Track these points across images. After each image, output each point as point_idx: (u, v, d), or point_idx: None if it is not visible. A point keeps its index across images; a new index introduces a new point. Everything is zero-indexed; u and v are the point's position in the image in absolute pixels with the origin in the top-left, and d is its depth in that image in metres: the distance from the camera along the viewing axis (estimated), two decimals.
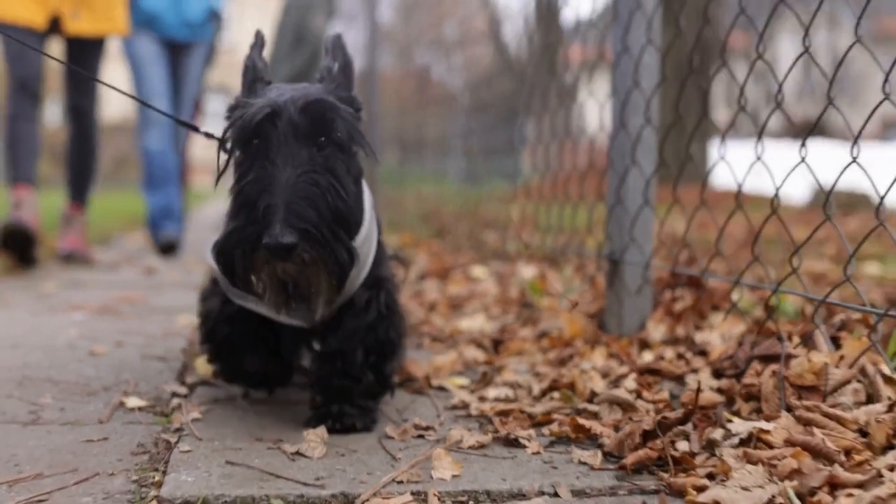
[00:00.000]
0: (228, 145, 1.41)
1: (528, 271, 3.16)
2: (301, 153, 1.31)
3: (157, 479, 1.29)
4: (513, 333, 2.28)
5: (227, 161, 1.43)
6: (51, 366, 2.01)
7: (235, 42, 11.17)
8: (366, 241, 1.50)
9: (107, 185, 13.96)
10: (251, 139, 1.34)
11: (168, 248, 4.79)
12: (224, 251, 1.32)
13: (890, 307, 1.53)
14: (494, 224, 5.12)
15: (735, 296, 1.97)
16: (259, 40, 1.54)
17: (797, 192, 8.15)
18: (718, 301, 2.21)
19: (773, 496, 1.13)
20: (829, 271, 3.12)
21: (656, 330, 2.03)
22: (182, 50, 4.91)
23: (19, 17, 3.84)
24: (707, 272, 2.02)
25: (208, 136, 1.56)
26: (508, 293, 2.90)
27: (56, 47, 4.18)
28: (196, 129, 1.63)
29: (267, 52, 1.53)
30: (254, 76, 1.49)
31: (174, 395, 1.78)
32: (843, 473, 1.18)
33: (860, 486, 1.15)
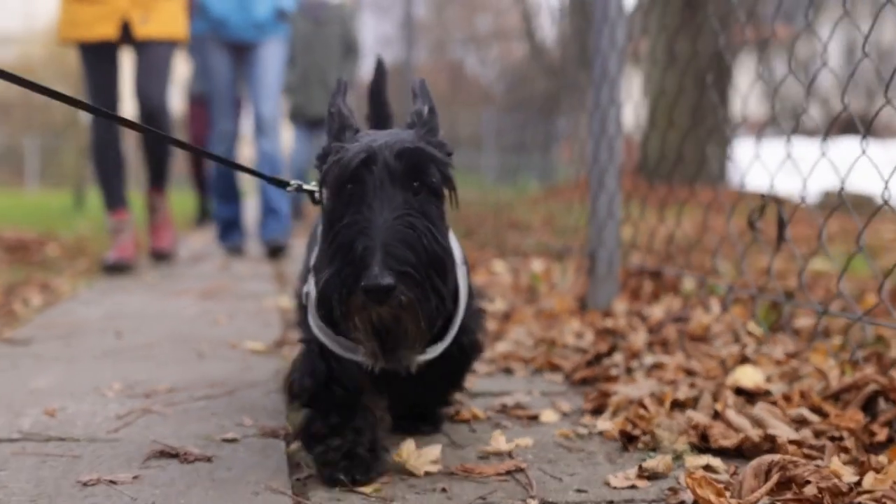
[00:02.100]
0: (323, 190, 1.47)
1: (537, 265, 4.06)
2: (396, 197, 1.34)
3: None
4: (518, 310, 3.18)
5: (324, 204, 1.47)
6: (193, 330, 2.96)
7: None
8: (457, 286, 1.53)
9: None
10: (346, 184, 1.38)
11: (232, 252, 5.52)
12: (323, 297, 1.34)
13: (760, 291, 2.43)
14: (518, 225, 6.05)
15: (687, 284, 2.87)
16: (343, 87, 1.57)
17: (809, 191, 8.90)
18: (671, 287, 3.11)
19: (652, 392, 2.03)
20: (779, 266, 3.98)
21: (619, 306, 2.92)
22: (253, 50, 5.29)
23: (99, 35, 4.26)
24: (664, 266, 2.92)
25: (299, 189, 1.68)
26: (519, 282, 3.80)
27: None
28: (285, 185, 1.70)
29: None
30: (341, 123, 1.52)
31: (283, 343, 2.71)
32: (700, 382, 2.07)
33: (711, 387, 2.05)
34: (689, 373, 2.15)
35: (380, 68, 1.91)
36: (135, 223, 4.73)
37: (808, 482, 1.39)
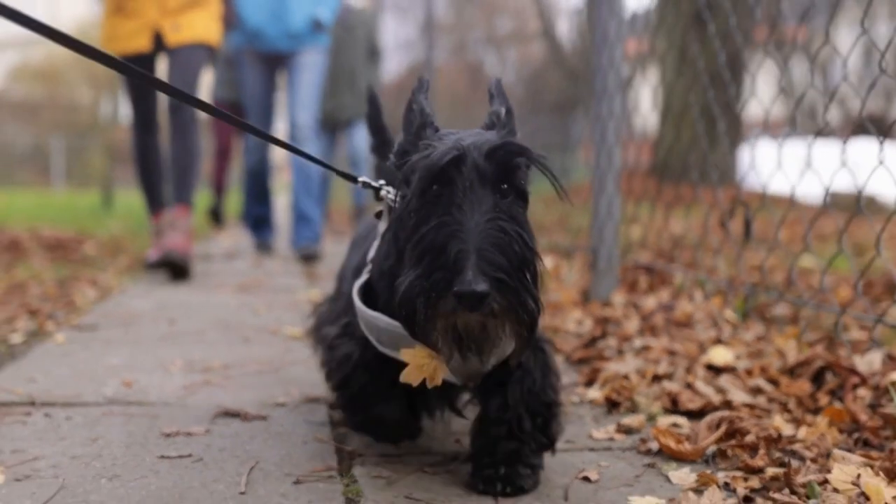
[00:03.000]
0: (406, 189, 1.41)
1: (547, 262, 4.41)
2: (486, 199, 1.31)
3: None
4: None
5: (402, 203, 1.43)
6: (236, 319, 3.34)
7: None
8: None
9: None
10: (433, 184, 1.34)
11: (261, 248, 5.88)
12: (407, 299, 1.29)
13: (730, 281, 2.78)
14: (533, 224, 6.40)
15: (678, 278, 3.23)
16: (424, 85, 1.54)
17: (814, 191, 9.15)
18: (665, 281, 3.46)
19: (637, 368, 2.38)
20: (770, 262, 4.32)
21: (618, 297, 3.28)
22: (290, 61, 5.50)
23: (134, 48, 4.44)
24: (658, 263, 3.27)
25: (366, 185, 1.67)
26: None
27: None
28: (354, 180, 1.70)
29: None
30: (422, 121, 1.49)
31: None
32: (679, 360, 2.43)
33: (684, 363, 2.41)
34: (671, 353, 2.51)
35: (373, 101, 1.91)
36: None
37: (749, 432, 1.75)
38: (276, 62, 5.59)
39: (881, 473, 1.49)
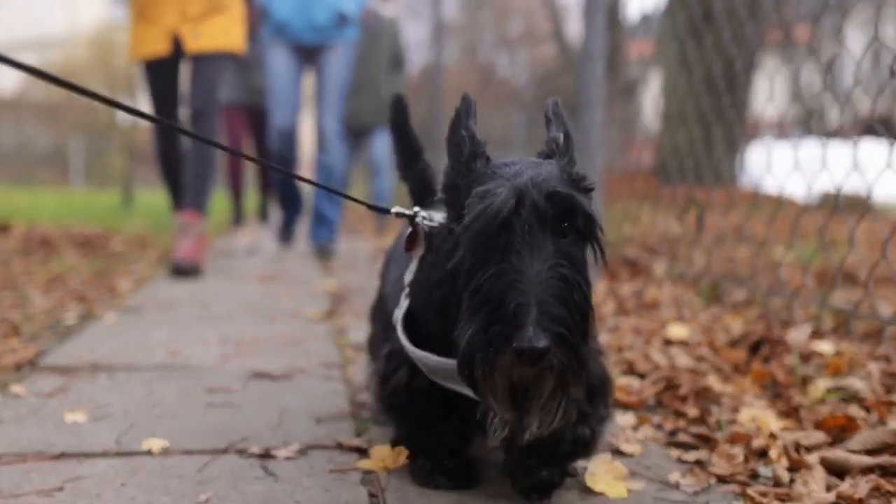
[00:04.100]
0: (457, 226, 1.37)
1: None
2: (547, 244, 1.25)
3: (346, 340, 3.02)
4: None
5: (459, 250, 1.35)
6: (261, 303, 3.78)
7: None
8: None
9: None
10: (494, 236, 1.28)
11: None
12: (467, 358, 1.25)
13: (702, 271, 3.20)
14: None
15: (657, 269, 3.66)
16: (472, 107, 1.46)
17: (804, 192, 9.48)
18: (644, 272, 3.89)
19: (608, 342, 2.80)
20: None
21: (600, 286, 3.71)
22: (317, 54, 5.63)
23: (153, 52, 4.65)
24: (642, 256, 3.70)
25: (400, 215, 1.62)
26: None
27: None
28: (387, 212, 1.65)
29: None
30: (472, 150, 1.42)
31: (332, 313, 3.53)
32: (642, 335, 2.86)
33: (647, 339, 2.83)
34: (637, 330, 2.93)
35: (399, 104, 1.85)
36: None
37: (682, 386, 2.18)
38: (302, 53, 5.68)
39: (776, 414, 1.92)
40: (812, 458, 1.65)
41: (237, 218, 8.86)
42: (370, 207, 1.69)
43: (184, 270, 4.62)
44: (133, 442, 1.86)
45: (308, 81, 6.00)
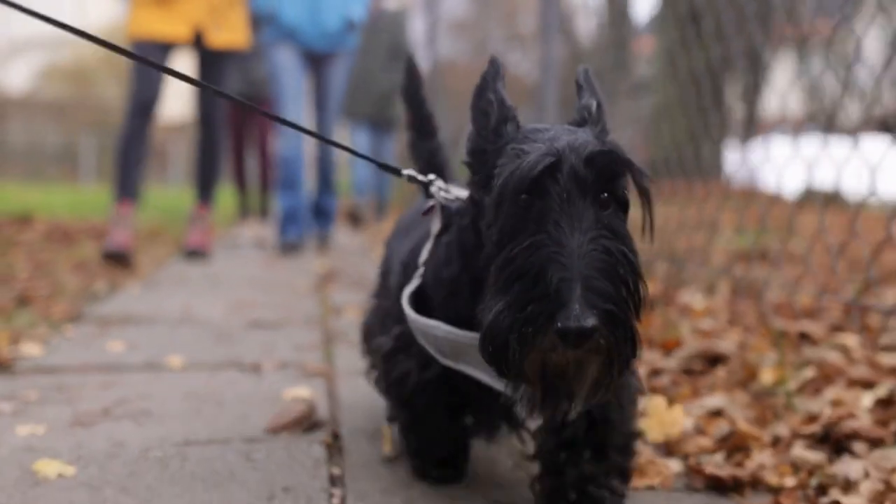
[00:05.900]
0: (485, 194, 1.28)
1: None
2: (587, 214, 1.15)
3: (330, 303, 3.73)
4: None
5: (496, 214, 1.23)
6: (262, 278, 4.51)
7: None
8: None
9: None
10: (522, 194, 1.18)
11: (287, 250, 5.97)
12: (496, 334, 1.14)
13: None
14: None
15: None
16: (499, 69, 1.36)
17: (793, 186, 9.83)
18: None
19: None
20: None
21: None
22: (323, 61, 5.81)
23: (171, 35, 4.69)
24: None
25: (412, 179, 1.55)
26: None
27: (176, 60, 4.96)
28: (398, 173, 1.57)
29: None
30: (502, 115, 1.32)
31: (321, 285, 4.24)
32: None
33: None
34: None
35: (411, 68, 1.78)
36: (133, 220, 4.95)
37: None
38: (309, 59, 5.81)
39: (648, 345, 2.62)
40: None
41: (244, 211, 9.59)
42: (381, 167, 1.60)
43: (196, 253, 5.29)
44: (158, 361, 2.58)
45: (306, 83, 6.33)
